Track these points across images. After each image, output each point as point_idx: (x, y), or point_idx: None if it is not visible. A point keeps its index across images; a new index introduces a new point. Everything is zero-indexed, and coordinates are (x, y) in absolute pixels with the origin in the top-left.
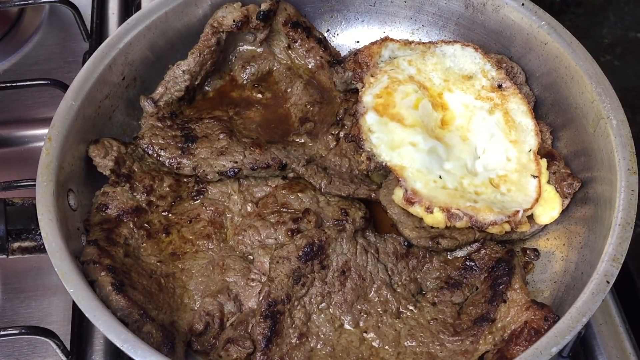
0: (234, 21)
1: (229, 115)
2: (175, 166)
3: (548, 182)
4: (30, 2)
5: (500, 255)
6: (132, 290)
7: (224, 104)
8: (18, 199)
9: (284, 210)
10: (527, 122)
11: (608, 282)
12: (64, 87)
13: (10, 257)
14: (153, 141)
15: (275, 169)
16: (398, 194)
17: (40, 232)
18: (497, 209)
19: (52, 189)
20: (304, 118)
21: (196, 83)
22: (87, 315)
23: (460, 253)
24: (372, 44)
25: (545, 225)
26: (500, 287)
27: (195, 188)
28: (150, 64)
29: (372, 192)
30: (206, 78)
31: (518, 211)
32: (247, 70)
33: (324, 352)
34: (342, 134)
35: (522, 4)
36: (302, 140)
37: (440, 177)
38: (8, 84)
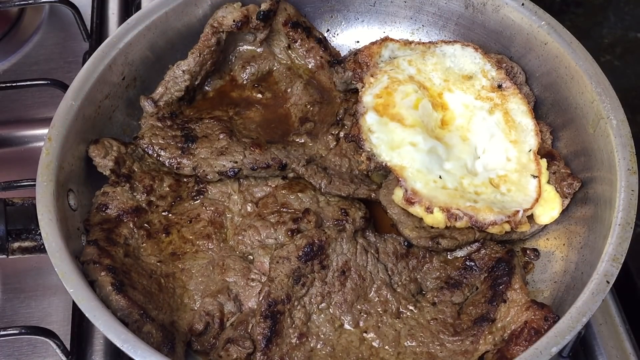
0: (234, 21)
1: (229, 115)
2: (175, 166)
3: (548, 182)
4: (30, 2)
5: (500, 255)
6: (132, 290)
7: (224, 104)
8: (18, 199)
9: (284, 210)
10: (527, 122)
11: (608, 282)
12: (64, 87)
13: (10, 257)
14: (153, 141)
15: (275, 169)
16: (398, 194)
17: (40, 232)
18: (497, 209)
19: (52, 189)
20: (304, 118)
21: (196, 83)
22: (87, 315)
23: (460, 253)
24: (372, 44)
25: (545, 225)
26: (500, 287)
27: (195, 188)
28: (150, 64)
29: (372, 192)
30: (206, 78)
31: (518, 211)
32: (247, 70)
33: (324, 352)
34: (342, 134)
35: (522, 4)
36: (302, 140)
37: (440, 177)
38: (8, 84)
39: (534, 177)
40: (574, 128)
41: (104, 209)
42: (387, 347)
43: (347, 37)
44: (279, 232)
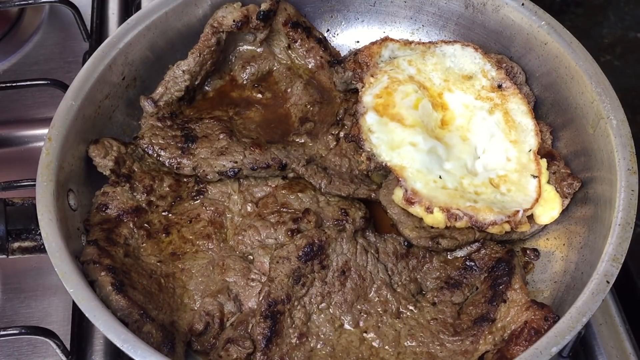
0: (234, 21)
1: (229, 115)
2: (175, 166)
3: (548, 182)
4: (30, 2)
5: (500, 255)
6: (132, 290)
7: (224, 104)
8: (18, 199)
9: (284, 210)
10: (527, 122)
11: (608, 282)
12: (64, 87)
13: (10, 257)
14: (153, 141)
15: (275, 169)
16: (398, 194)
17: (40, 232)
18: (497, 209)
19: (52, 189)
20: (304, 118)
21: (196, 83)
22: (87, 315)
23: (460, 253)
24: (372, 44)
25: (545, 225)
26: (500, 287)
27: (195, 188)
28: (150, 64)
29: (372, 192)
30: (206, 78)
31: (518, 211)
32: (247, 70)
33: (324, 352)
34: (342, 134)
35: (522, 4)
36: (302, 140)
37: (440, 177)
38: (8, 84)
39: (534, 177)
40: (574, 128)
41: (104, 209)
42: (387, 347)
43: (347, 37)
44: (279, 232)
